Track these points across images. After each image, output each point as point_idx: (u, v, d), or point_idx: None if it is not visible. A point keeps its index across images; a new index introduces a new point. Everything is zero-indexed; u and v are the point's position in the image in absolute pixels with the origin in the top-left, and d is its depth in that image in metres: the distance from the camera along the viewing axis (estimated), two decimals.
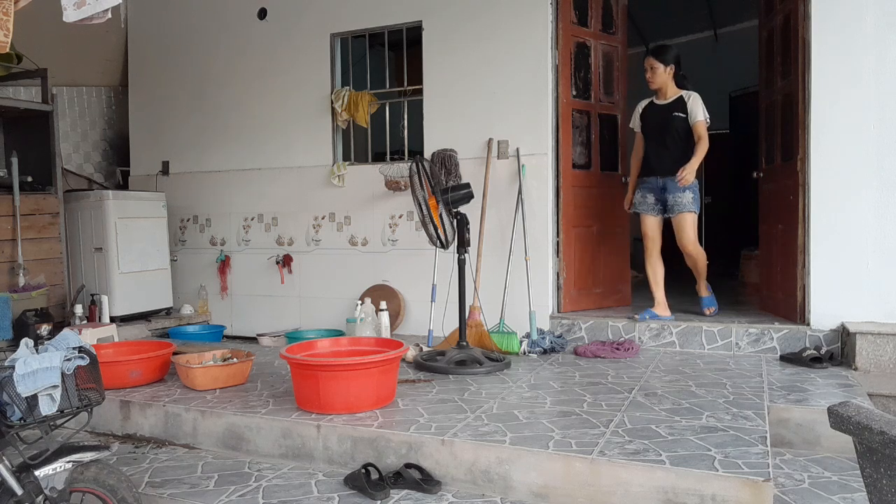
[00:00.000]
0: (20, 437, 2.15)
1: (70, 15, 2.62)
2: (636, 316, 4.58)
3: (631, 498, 2.41)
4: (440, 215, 4.15)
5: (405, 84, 5.52)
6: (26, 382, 2.07)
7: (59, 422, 2.17)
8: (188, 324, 5.85)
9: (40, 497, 2.06)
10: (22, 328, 4.72)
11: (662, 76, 4.55)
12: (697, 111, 4.45)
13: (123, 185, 6.50)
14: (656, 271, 4.66)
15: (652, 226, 4.60)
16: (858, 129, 4.06)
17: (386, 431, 2.86)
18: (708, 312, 4.69)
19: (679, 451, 2.54)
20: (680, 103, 4.52)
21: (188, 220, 6.30)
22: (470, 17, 5.03)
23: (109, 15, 2.62)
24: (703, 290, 4.77)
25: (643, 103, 4.69)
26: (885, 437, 1.21)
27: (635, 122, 4.72)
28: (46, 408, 2.10)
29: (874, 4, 4.02)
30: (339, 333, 5.24)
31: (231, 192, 6.06)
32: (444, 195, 4.17)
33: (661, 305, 4.64)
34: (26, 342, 2.25)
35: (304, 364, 3.18)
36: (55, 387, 2.10)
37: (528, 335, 4.52)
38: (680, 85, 4.60)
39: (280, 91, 5.80)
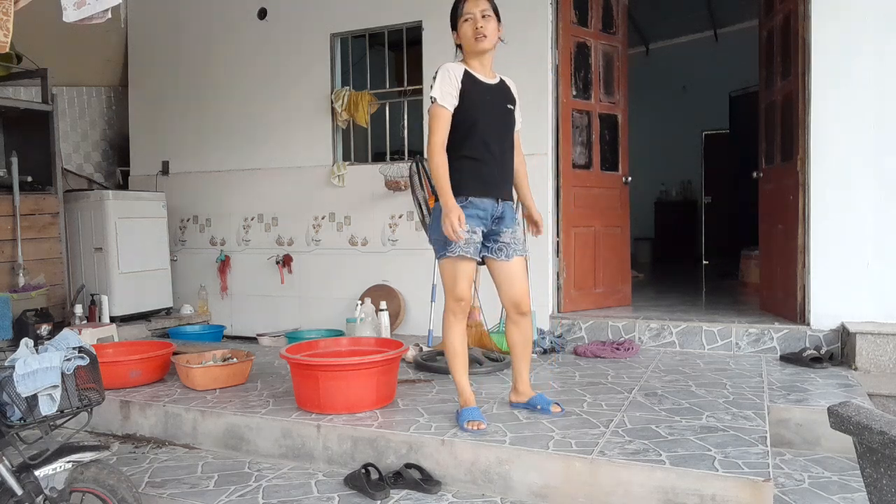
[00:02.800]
0: (20, 437, 2.15)
1: (70, 15, 2.62)
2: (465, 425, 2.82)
3: (631, 498, 2.41)
4: None
5: (405, 84, 5.52)
6: (26, 382, 2.07)
7: (59, 422, 2.17)
8: (188, 324, 5.85)
9: (40, 497, 2.06)
10: (22, 328, 4.72)
11: (495, 34, 2.86)
12: (519, 112, 3.06)
13: (123, 185, 6.50)
14: (464, 346, 2.97)
15: (471, 277, 2.89)
16: (858, 129, 4.06)
17: (386, 431, 2.86)
18: (556, 410, 3.01)
19: (679, 451, 2.54)
20: (508, 91, 2.99)
21: (188, 220, 6.30)
22: None
23: (109, 15, 2.62)
24: (528, 382, 3.13)
25: (458, 67, 2.84)
26: (885, 437, 1.21)
27: (447, 93, 2.79)
28: (46, 408, 2.10)
29: (874, 4, 4.02)
30: (339, 333, 5.24)
31: (231, 192, 6.06)
32: None
33: (468, 394, 2.97)
34: (26, 342, 2.25)
35: (304, 364, 3.18)
36: (55, 387, 2.10)
37: None
38: None
39: (280, 91, 5.80)
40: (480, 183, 2.85)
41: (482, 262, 2.98)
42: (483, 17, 2.80)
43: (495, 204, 2.89)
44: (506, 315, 3.05)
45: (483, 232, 2.88)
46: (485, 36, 2.79)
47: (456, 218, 2.71)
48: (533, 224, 3.07)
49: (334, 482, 2.75)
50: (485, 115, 2.85)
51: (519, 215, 3.11)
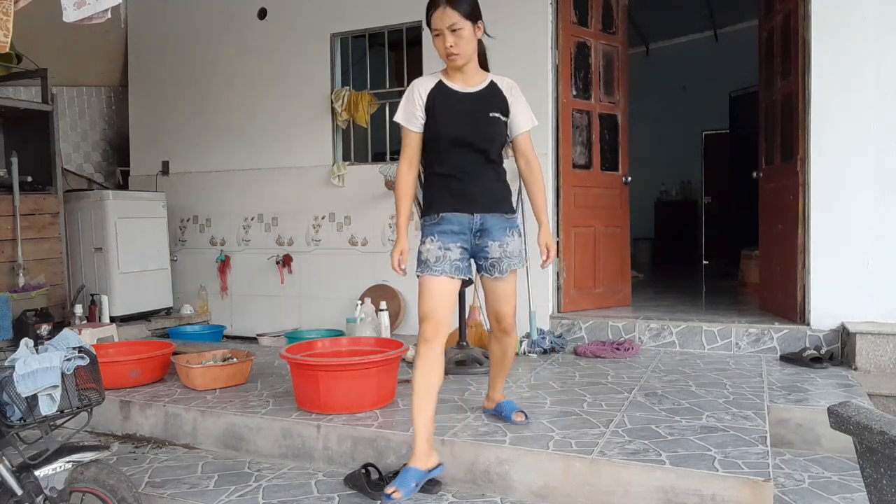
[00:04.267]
0: (20, 437, 2.15)
1: (70, 15, 2.62)
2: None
3: (631, 498, 2.41)
4: None
5: (405, 84, 5.51)
6: (26, 382, 2.07)
7: (59, 422, 2.17)
8: (188, 324, 5.85)
9: (40, 497, 2.06)
10: (22, 328, 4.72)
11: (471, 43, 2.63)
12: (525, 114, 2.76)
13: (123, 185, 6.50)
14: (431, 382, 2.55)
15: (447, 296, 2.61)
16: (858, 129, 4.06)
17: (386, 431, 2.86)
18: (520, 419, 2.89)
19: (679, 451, 2.54)
20: (495, 95, 2.71)
21: (188, 220, 6.29)
22: None
23: (109, 15, 2.62)
24: (501, 391, 3.08)
25: (428, 82, 2.71)
26: (885, 437, 1.21)
27: (410, 114, 2.68)
28: (46, 408, 2.10)
29: (874, 5, 4.01)
30: (339, 333, 5.23)
31: (231, 192, 6.06)
32: None
33: (424, 453, 2.52)
34: (26, 342, 2.25)
35: (304, 364, 3.18)
36: (55, 387, 2.10)
37: (528, 335, 4.52)
38: (483, 63, 2.78)
39: (280, 91, 5.80)
40: (450, 197, 2.67)
41: (470, 282, 2.84)
42: (453, 31, 2.58)
43: (471, 218, 2.67)
44: (490, 328, 2.90)
45: (467, 248, 2.69)
46: (456, 54, 2.60)
47: (398, 253, 2.65)
48: (542, 249, 2.77)
49: (334, 482, 2.75)
50: (456, 126, 2.64)
51: (520, 221, 2.95)
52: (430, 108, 2.65)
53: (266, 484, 2.76)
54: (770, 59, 4.86)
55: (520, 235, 2.78)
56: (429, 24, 2.66)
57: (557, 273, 4.90)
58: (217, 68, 6.08)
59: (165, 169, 6.36)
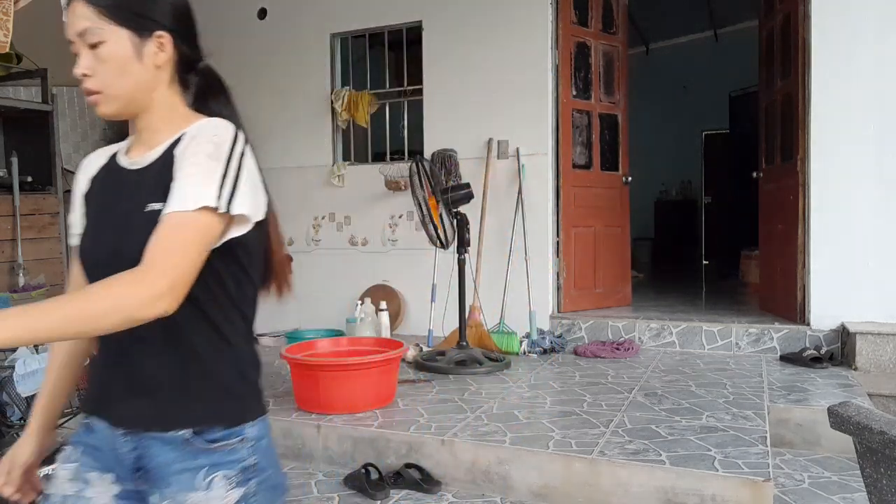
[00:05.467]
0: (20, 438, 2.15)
1: None
2: None
3: (631, 498, 2.41)
4: (440, 215, 4.15)
5: (405, 84, 5.52)
6: (26, 382, 2.07)
7: (59, 422, 2.17)
8: None
9: (40, 497, 2.06)
10: None
11: (130, 69, 1.19)
12: (185, 180, 1.10)
13: None
14: None
15: None
16: (858, 129, 4.06)
17: (386, 431, 2.86)
18: None
19: (679, 451, 2.54)
20: (167, 166, 1.14)
21: None
22: (470, 16, 5.03)
23: None
24: None
25: (101, 157, 1.32)
26: (885, 437, 1.21)
27: (72, 224, 1.26)
28: None
29: (874, 4, 4.02)
30: (339, 333, 5.23)
31: None
32: (444, 195, 4.17)
33: None
34: None
35: (305, 364, 3.18)
36: None
37: (528, 335, 4.52)
38: (205, 104, 1.37)
39: (280, 91, 5.80)
40: (92, 383, 1.32)
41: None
42: (92, 47, 1.22)
43: (113, 433, 1.23)
44: None
45: (125, 488, 1.23)
46: (96, 91, 1.23)
47: (6, 467, 1.37)
48: None
49: (334, 482, 2.75)
50: (90, 242, 1.23)
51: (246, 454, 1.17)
52: (87, 203, 1.29)
53: None
54: (770, 59, 4.86)
55: (232, 485, 1.12)
56: None
57: (557, 273, 4.90)
58: (217, 68, 6.05)
59: None
